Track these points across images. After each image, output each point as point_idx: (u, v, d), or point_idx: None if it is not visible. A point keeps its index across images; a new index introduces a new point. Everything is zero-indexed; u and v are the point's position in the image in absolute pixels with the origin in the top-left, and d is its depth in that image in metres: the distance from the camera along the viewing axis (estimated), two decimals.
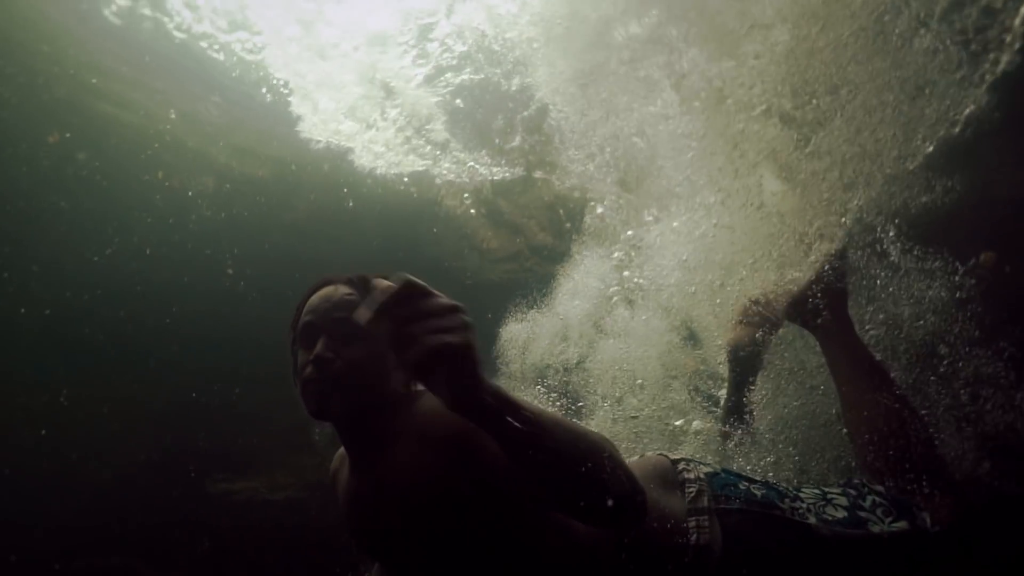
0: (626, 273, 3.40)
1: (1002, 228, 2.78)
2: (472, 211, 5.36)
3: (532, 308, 3.65)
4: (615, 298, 3.48)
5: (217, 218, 4.67)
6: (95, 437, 4.22)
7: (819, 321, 2.10)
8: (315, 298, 1.44)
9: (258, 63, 4.52)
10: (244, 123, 4.81)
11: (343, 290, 1.42)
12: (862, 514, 1.54)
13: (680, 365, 3.29)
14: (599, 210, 3.75)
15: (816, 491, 1.60)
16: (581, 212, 4.39)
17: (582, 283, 3.64)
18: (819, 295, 2.11)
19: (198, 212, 4.68)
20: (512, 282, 5.02)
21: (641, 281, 3.32)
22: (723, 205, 2.76)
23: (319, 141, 4.94)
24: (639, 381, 3.24)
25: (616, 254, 3.52)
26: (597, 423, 3.17)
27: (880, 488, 1.67)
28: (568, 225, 5.00)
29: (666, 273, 3.09)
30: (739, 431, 2.52)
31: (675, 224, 3.03)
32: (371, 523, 1.39)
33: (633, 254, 3.42)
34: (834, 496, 1.59)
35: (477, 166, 5.17)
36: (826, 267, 2.15)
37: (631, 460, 1.62)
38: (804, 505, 1.51)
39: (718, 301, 2.91)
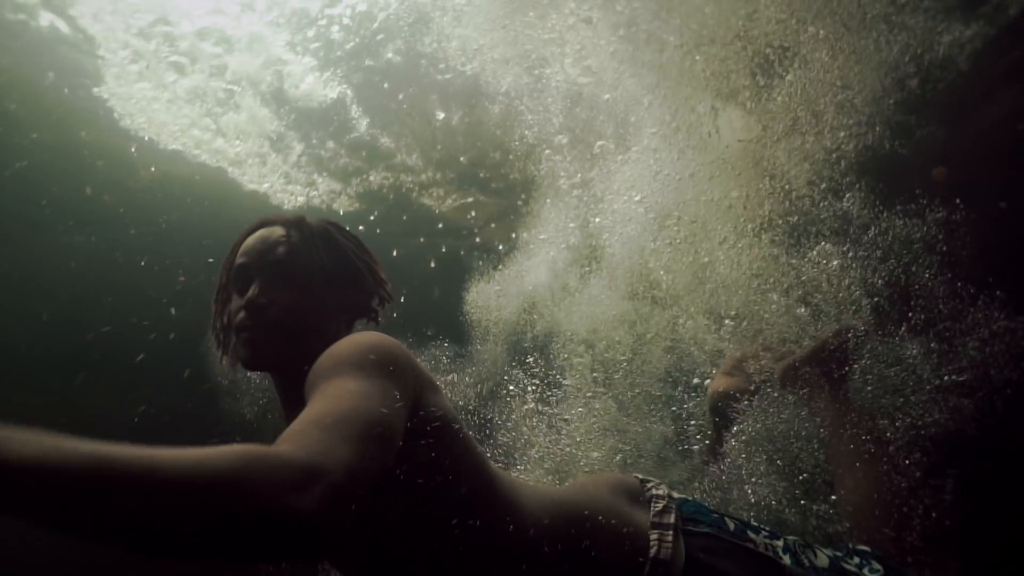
0: (596, 219, 3.32)
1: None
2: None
3: (497, 270, 3.58)
4: (575, 239, 3.40)
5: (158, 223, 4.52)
6: None
7: (814, 391, 2.06)
8: (250, 240, 1.36)
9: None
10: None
11: (279, 232, 1.35)
12: (846, 567, 1.44)
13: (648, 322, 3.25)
14: (549, 156, 3.65)
15: (797, 538, 1.50)
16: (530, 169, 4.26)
17: (544, 240, 3.58)
18: (817, 366, 2.08)
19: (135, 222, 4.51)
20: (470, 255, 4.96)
21: (600, 222, 3.25)
22: (679, 135, 2.71)
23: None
24: (624, 358, 3.16)
25: (575, 193, 3.44)
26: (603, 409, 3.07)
27: (868, 549, 1.58)
28: (523, 197, 4.92)
29: (623, 221, 3.06)
30: (718, 472, 2.47)
31: (631, 157, 2.96)
32: None
33: (591, 203, 3.35)
34: (817, 548, 1.49)
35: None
36: (828, 341, 2.12)
37: (595, 476, 1.53)
38: (780, 544, 1.41)
39: (675, 243, 2.91)
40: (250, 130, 4.70)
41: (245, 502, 0.69)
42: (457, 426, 1.19)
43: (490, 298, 3.50)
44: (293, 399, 1.25)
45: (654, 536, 1.32)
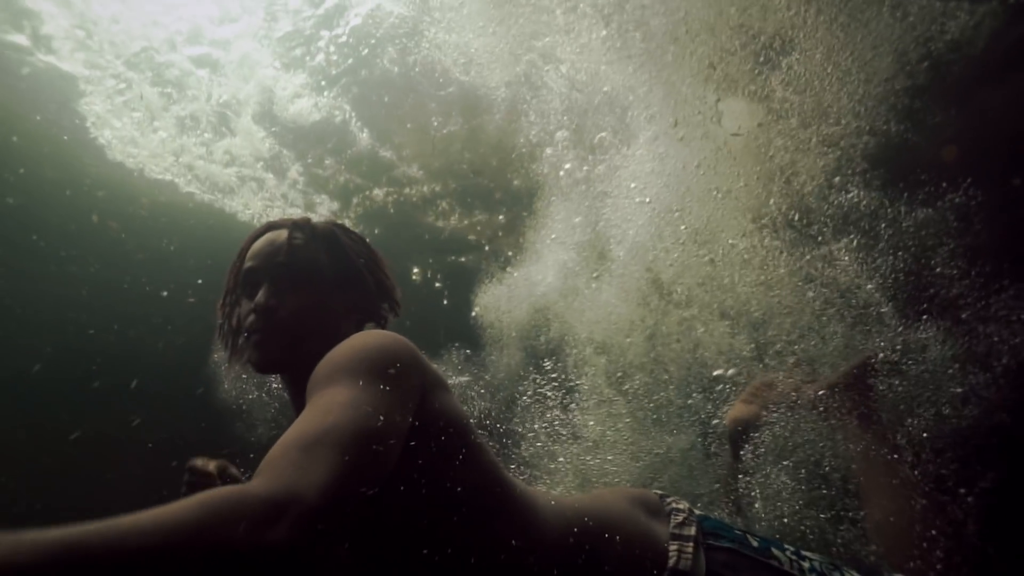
0: (604, 213, 3.26)
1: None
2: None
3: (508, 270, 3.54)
4: (580, 234, 3.35)
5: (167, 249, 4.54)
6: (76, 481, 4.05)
7: (842, 416, 2.05)
8: (258, 243, 1.34)
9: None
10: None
11: (286, 235, 1.33)
12: None
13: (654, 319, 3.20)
14: (551, 158, 3.61)
15: (825, 558, 1.44)
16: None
17: (553, 240, 3.54)
18: (847, 392, 2.08)
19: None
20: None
21: (608, 215, 3.20)
22: (681, 130, 2.68)
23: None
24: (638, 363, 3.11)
25: (580, 189, 3.39)
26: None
27: None
28: (528, 202, 4.88)
29: (629, 218, 3.01)
30: (741, 499, 2.49)
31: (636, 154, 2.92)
32: None
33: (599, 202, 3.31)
34: (846, 570, 1.43)
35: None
36: (857, 369, 2.12)
37: (612, 488, 1.50)
38: (807, 565, 1.36)
39: (681, 240, 2.87)
40: (245, 154, 4.69)
41: (214, 550, 0.68)
42: (467, 429, 1.16)
43: (500, 300, 3.46)
44: (303, 402, 1.20)
45: (673, 547, 1.28)
